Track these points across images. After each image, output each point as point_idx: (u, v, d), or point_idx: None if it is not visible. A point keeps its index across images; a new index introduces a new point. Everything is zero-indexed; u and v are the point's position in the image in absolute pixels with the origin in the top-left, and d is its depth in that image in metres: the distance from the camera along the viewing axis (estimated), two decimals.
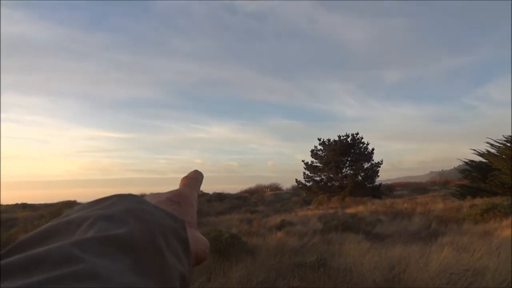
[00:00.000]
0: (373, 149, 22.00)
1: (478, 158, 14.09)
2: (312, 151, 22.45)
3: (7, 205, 17.78)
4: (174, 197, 0.37)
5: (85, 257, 0.22)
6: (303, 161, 22.46)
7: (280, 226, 8.81)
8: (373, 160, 21.69)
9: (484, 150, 13.67)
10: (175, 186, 0.40)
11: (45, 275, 0.20)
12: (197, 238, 0.35)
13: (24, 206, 17.37)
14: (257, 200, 21.94)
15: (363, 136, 22.24)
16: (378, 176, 21.34)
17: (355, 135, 22.13)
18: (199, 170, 0.43)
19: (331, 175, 21.58)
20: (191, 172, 0.43)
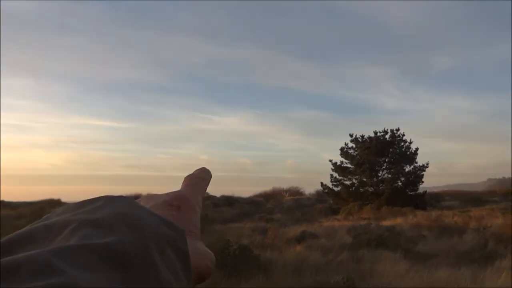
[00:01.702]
0: (417, 149, 21.76)
1: None
2: (341, 149, 22.36)
3: None
4: (173, 201, 0.36)
5: (65, 269, 0.22)
6: (330, 161, 22.28)
7: (300, 239, 8.84)
8: (416, 163, 21.50)
9: None
10: (176, 185, 0.40)
11: (18, 285, 0.20)
12: (200, 251, 0.34)
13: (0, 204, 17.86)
14: (274, 206, 22.03)
15: (404, 133, 21.95)
16: (423, 182, 21.11)
17: (395, 131, 21.89)
18: (207, 168, 0.43)
19: (365, 179, 21.43)
20: (197, 170, 0.43)
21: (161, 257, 0.26)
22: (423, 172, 21.10)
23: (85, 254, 0.23)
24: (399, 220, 13.17)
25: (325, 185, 21.93)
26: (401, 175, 21.02)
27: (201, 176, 0.42)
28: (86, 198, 0.31)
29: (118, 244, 0.25)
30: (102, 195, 0.32)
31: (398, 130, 21.90)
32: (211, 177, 0.43)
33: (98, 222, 0.27)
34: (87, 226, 0.26)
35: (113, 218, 0.27)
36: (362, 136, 22.16)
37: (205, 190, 0.41)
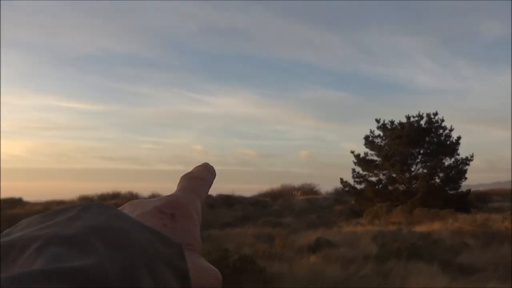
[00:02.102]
0: (459, 138, 21.71)
1: None
2: (366, 137, 22.34)
3: None
4: (166, 207, 0.36)
5: None
6: (352, 152, 22.24)
7: (314, 247, 8.95)
8: (458, 155, 21.43)
9: None
10: (165, 182, 0.40)
11: None
12: (203, 268, 0.34)
13: None
14: (283, 208, 22.17)
15: (444, 118, 21.89)
16: (466, 178, 21.08)
17: (432, 116, 21.84)
18: (210, 164, 0.43)
19: (394, 175, 21.38)
20: (196, 168, 0.42)
21: (154, 281, 0.25)
22: (467, 167, 21.10)
23: (54, 282, 0.21)
24: (436, 225, 13.27)
25: (346, 182, 21.94)
26: (439, 170, 20.94)
27: (201, 176, 0.41)
28: (55, 206, 0.28)
29: (97, 268, 0.23)
30: (77, 203, 0.30)
31: (436, 114, 21.85)
32: (214, 176, 0.43)
33: (70, 239, 0.25)
34: (56, 244, 0.24)
35: (90, 233, 0.26)
36: (392, 122, 22.12)
37: (206, 193, 0.41)
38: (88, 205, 0.29)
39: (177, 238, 0.32)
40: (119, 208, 0.35)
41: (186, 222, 0.35)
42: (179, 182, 0.40)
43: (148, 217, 0.34)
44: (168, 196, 0.38)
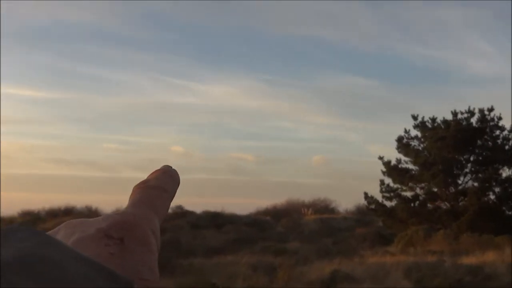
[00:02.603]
0: None
1: None
2: (399, 139, 22.16)
3: None
4: (114, 230, 0.35)
5: None
6: (381, 158, 22.01)
7: (329, 283, 9.03)
8: None
9: None
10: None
11: None
12: None
13: None
14: (288, 230, 22.12)
15: (502, 115, 21.52)
16: None
17: (486, 112, 21.51)
18: (172, 167, 0.44)
19: (435, 189, 21.25)
20: (155, 173, 0.42)
21: None
22: None
23: None
24: (490, 256, 13.31)
25: (372, 197, 21.63)
26: (494, 183, 20.72)
27: (160, 185, 0.41)
28: None
29: None
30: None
31: (491, 109, 21.53)
32: (178, 184, 0.43)
33: None
34: None
35: (11, 267, 0.24)
36: (433, 119, 21.91)
37: (168, 208, 0.41)
38: (9, 229, 0.28)
39: (127, 271, 0.31)
40: (51, 232, 0.34)
41: (140, 249, 0.35)
42: (131, 194, 0.39)
43: (89, 243, 0.34)
44: (116, 214, 0.37)
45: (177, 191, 0.42)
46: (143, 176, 0.41)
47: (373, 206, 21.65)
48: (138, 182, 0.40)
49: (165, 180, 0.40)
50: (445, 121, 21.72)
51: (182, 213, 22.17)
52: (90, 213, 22.17)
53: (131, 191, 0.39)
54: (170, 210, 0.42)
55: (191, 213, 22.17)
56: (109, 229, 0.34)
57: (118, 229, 0.35)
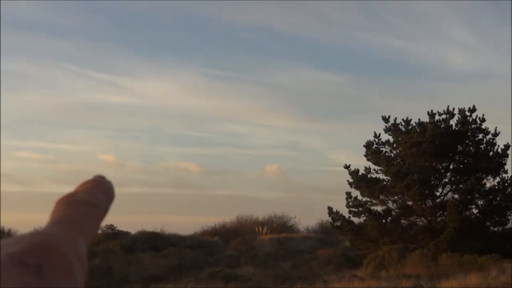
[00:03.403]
0: (507, 147, 21.23)
1: None
2: (368, 145, 22.07)
3: None
4: (29, 255, 0.32)
5: None
6: (347, 167, 21.95)
7: None
8: (506, 172, 21.73)
9: None
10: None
11: None
12: None
13: None
14: (239, 252, 22.41)
15: (485, 116, 21.71)
16: None
17: (467, 113, 21.42)
18: (106, 178, 0.40)
19: (410, 202, 21.23)
20: (83, 185, 0.40)
21: None
22: None
23: None
24: (473, 279, 13.32)
25: (337, 212, 21.44)
26: (477, 195, 20.75)
27: (89, 199, 0.39)
28: None
29: None
30: None
31: (473, 110, 21.94)
32: (113, 198, 0.39)
33: None
34: None
35: None
36: (407, 122, 22.26)
37: (98, 226, 0.37)
38: None
39: None
40: None
41: (61, 278, 0.32)
42: (53, 210, 0.37)
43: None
44: (33, 235, 0.34)
45: (111, 207, 0.38)
46: (67, 190, 0.39)
47: (338, 223, 21.49)
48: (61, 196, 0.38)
49: (96, 194, 0.37)
50: (420, 124, 21.80)
51: (114, 234, 21.71)
52: (1, 235, 21.05)
53: (51, 208, 0.37)
54: (99, 231, 0.37)
55: (125, 234, 22.09)
56: (24, 254, 0.31)
57: (35, 254, 0.31)
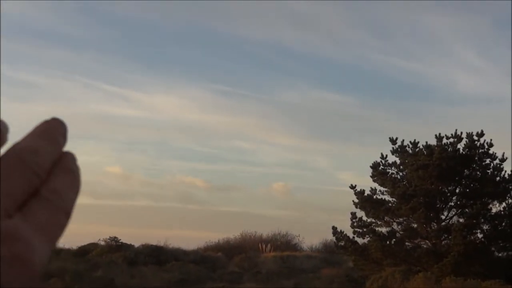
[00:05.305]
0: None
1: None
2: (375, 166, 22.27)
3: None
4: None
5: None
6: (353, 187, 22.10)
7: None
8: None
9: None
10: None
11: None
12: None
13: None
14: (242, 269, 22.59)
15: (493, 141, 21.53)
16: None
17: (475, 137, 21.51)
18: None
19: (415, 225, 21.30)
20: (30, 135, 0.38)
21: None
22: None
23: None
24: None
25: (341, 232, 21.53)
26: (482, 220, 20.67)
27: (31, 158, 0.36)
28: None
29: None
30: None
31: (481, 134, 21.78)
32: (65, 140, 0.37)
33: None
34: None
35: None
36: (414, 144, 21.99)
37: (72, 207, 0.34)
38: None
39: None
40: None
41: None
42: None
43: None
44: None
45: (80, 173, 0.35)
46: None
47: (342, 243, 21.55)
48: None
49: (28, 154, 0.34)
50: (428, 146, 21.76)
51: (117, 246, 21.85)
52: None
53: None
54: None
55: (128, 247, 22.17)
56: None
57: None
